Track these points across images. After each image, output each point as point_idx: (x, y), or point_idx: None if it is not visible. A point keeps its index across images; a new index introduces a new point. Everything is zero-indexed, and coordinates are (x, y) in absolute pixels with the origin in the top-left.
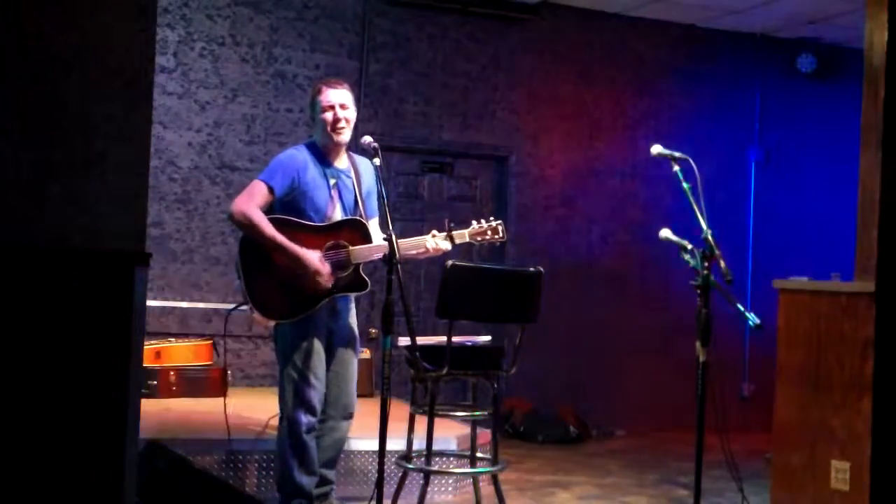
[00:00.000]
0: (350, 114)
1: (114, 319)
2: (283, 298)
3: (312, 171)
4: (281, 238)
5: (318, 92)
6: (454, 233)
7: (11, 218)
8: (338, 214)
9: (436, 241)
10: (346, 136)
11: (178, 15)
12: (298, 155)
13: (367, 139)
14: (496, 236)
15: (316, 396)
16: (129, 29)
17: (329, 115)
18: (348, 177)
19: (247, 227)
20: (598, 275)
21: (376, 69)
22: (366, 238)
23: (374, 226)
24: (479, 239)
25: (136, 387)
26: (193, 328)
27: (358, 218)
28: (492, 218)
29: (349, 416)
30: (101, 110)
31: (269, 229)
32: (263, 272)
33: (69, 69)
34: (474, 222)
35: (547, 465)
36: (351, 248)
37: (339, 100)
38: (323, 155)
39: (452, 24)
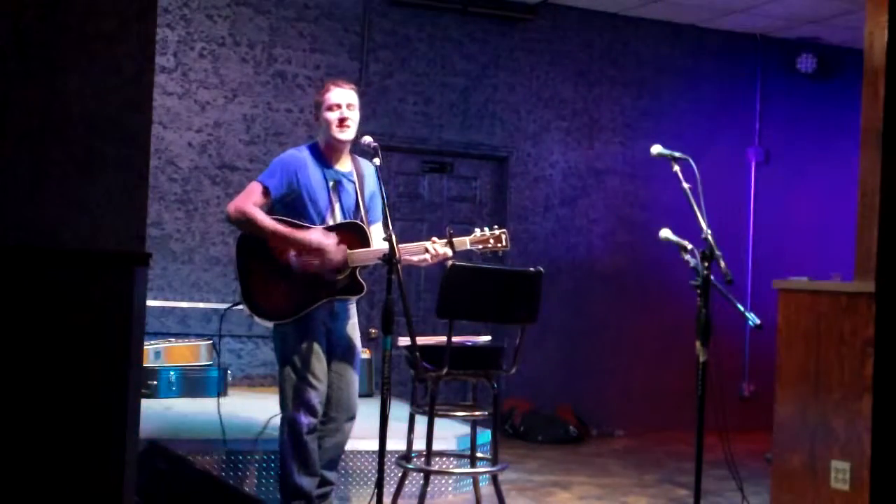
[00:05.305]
0: (355, 115)
1: (114, 319)
2: (280, 299)
3: (312, 172)
4: (279, 227)
5: (326, 90)
6: (455, 239)
7: (11, 218)
8: (337, 217)
9: (435, 248)
10: (349, 134)
11: (178, 15)
12: (298, 155)
13: (367, 139)
14: (499, 245)
15: (316, 397)
16: (129, 29)
17: (335, 115)
18: (350, 180)
19: (243, 223)
20: (598, 275)
21: (376, 69)
22: (364, 242)
23: (375, 231)
24: (480, 247)
25: (136, 387)
26: (193, 328)
27: (356, 221)
28: (496, 226)
29: (351, 418)
30: (101, 110)
31: (266, 220)
32: (260, 273)
33: (69, 69)
34: (477, 230)
35: (547, 465)
36: (348, 251)
37: (346, 99)
38: (325, 156)
39: (452, 24)
